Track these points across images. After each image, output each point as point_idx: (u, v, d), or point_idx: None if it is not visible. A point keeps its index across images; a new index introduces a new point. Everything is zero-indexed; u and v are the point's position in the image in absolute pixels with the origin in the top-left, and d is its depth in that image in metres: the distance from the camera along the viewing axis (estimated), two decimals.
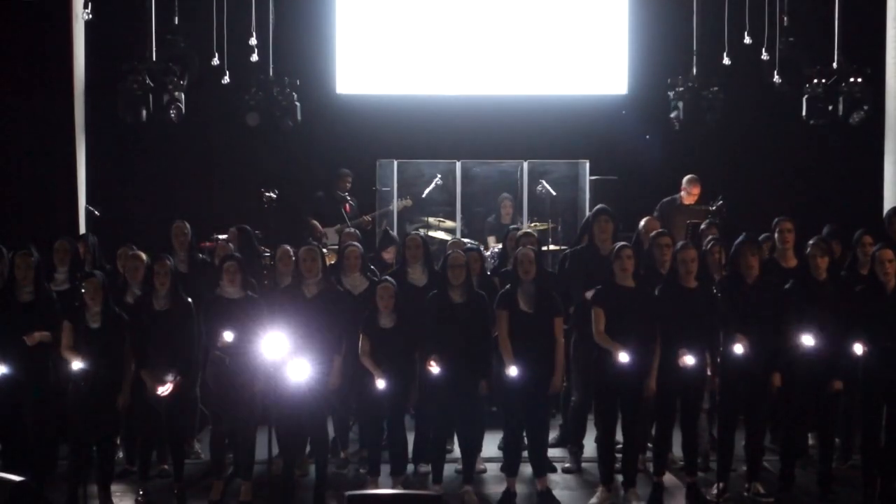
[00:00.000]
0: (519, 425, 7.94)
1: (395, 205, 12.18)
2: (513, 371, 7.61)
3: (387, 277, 8.15)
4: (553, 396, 8.27)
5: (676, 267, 7.77)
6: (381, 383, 7.73)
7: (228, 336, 7.63)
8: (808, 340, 7.62)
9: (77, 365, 7.43)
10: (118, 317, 7.78)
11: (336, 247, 10.06)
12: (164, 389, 7.74)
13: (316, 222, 11.90)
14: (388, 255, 9.38)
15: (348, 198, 12.24)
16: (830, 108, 11.53)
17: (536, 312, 7.70)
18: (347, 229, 10.37)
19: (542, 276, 7.92)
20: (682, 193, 11.24)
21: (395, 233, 10.54)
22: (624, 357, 7.45)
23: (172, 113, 11.50)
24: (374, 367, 7.79)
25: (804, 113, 11.65)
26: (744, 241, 7.88)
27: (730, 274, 7.94)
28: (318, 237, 11.57)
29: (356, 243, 8.86)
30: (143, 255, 8.38)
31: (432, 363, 7.67)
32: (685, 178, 11.30)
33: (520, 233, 9.16)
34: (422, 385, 7.97)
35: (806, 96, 11.61)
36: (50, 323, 7.89)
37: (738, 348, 7.53)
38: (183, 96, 11.61)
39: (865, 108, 11.47)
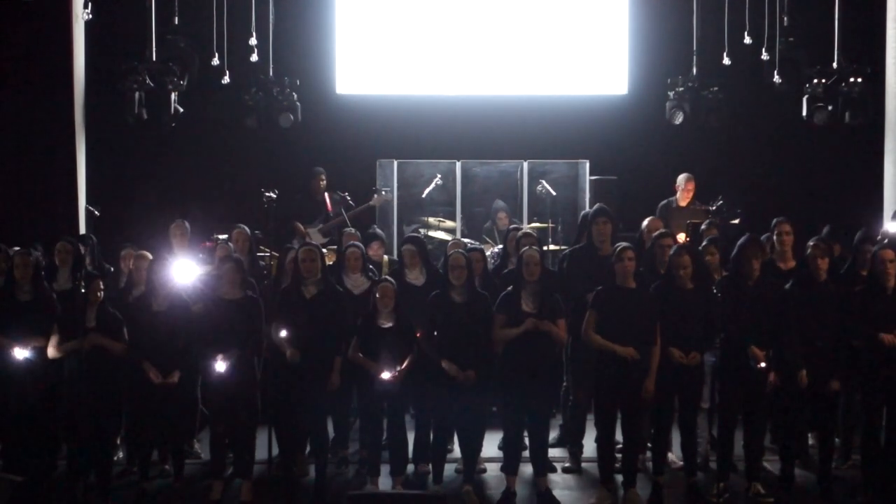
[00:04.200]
0: (519, 425, 7.95)
1: (375, 199, 12.05)
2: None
3: (386, 277, 8.15)
4: (553, 396, 8.28)
5: (672, 270, 7.76)
6: (385, 374, 7.74)
7: (221, 367, 7.64)
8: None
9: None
10: (113, 316, 7.78)
11: (334, 247, 10.05)
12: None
13: (299, 224, 11.79)
14: (373, 251, 9.35)
15: (327, 197, 12.12)
16: (830, 108, 11.53)
17: (540, 313, 7.68)
18: (347, 229, 10.35)
19: (546, 276, 7.90)
20: (678, 193, 11.27)
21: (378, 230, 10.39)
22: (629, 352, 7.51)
23: (172, 113, 11.49)
24: (367, 363, 7.81)
25: (804, 113, 11.64)
26: (747, 242, 7.86)
27: (731, 274, 7.94)
28: (301, 239, 11.48)
29: (358, 243, 8.85)
30: (148, 255, 8.39)
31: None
32: (679, 177, 11.33)
33: (520, 233, 9.15)
34: (422, 384, 7.98)
35: (806, 96, 11.61)
36: (49, 322, 7.89)
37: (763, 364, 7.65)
38: (182, 96, 11.60)
39: (865, 108, 11.45)
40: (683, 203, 11.21)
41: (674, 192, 11.37)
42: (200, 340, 7.79)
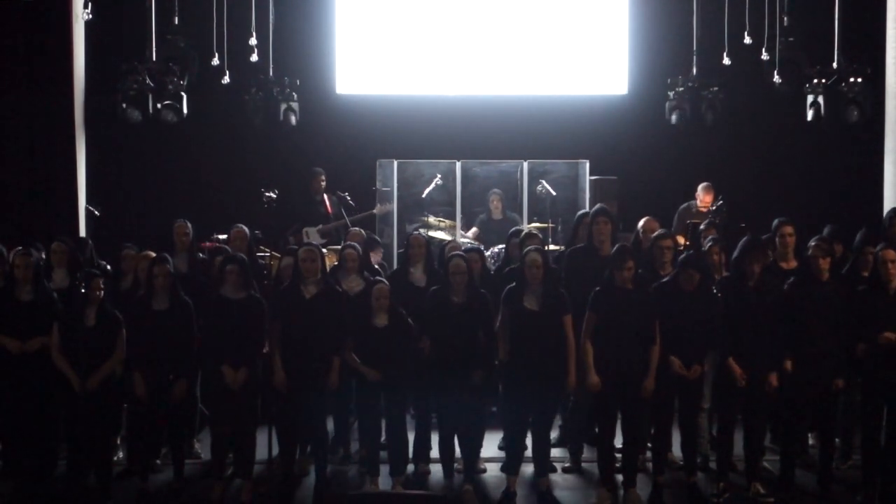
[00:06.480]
0: (521, 424, 7.95)
1: (378, 209, 12.07)
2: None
3: (381, 279, 8.16)
4: (561, 395, 8.26)
5: (678, 277, 7.74)
6: (371, 374, 7.80)
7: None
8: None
9: None
10: (113, 315, 7.78)
11: (338, 247, 10.05)
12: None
13: (306, 231, 11.77)
14: (375, 256, 9.38)
15: (326, 198, 12.14)
16: (830, 108, 11.53)
17: (542, 311, 7.67)
18: (353, 229, 10.35)
19: (550, 275, 7.89)
20: (697, 200, 11.32)
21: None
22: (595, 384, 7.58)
23: (172, 113, 11.49)
24: (360, 367, 7.82)
25: (804, 113, 11.64)
26: (749, 246, 7.85)
27: (732, 275, 7.93)
28: (299, 240, 11.47)
29: (355, 244, 8.85)
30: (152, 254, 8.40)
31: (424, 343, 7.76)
32: (700, 186, 11.36)
33: (523, 233, 9.15)
34: (422, 383, 7.99)
35: (806, 96, 11.62)
36: (49, 322, 7.89)
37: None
38: (183, 96, 11.62)
39: (865, 108, 11.46)
40: (704, 209, 11.20)
41: (673, 191, 11.38)
42: (203, 341, 7.80)
